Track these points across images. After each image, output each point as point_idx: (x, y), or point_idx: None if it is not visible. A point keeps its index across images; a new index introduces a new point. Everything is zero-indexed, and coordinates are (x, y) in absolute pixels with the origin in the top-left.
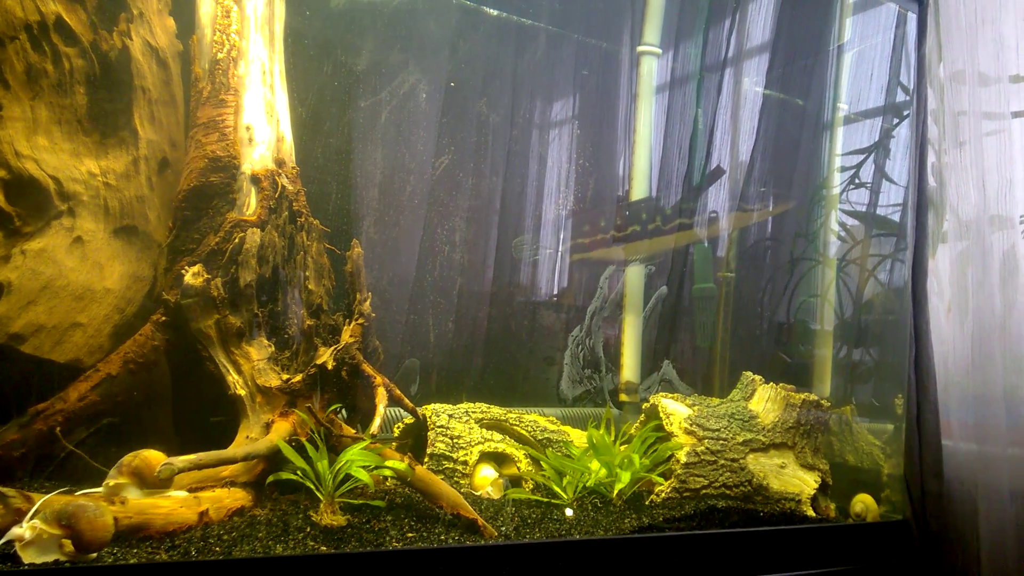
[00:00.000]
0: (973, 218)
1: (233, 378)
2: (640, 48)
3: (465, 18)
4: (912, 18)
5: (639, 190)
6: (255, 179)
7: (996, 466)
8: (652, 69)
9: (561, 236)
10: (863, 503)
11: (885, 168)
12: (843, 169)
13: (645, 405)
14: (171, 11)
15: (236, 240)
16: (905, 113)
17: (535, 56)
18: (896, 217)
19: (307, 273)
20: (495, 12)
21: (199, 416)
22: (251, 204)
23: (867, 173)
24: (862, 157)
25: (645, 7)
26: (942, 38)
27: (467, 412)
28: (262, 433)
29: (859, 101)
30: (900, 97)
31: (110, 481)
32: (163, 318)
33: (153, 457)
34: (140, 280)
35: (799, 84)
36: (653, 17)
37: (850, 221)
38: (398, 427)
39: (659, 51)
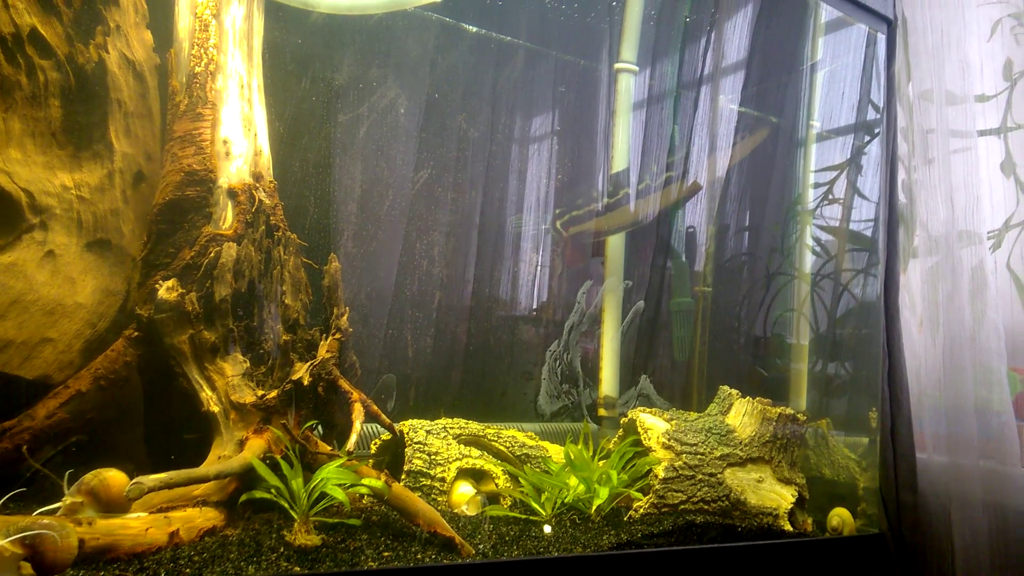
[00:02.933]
0: (942, 234)
1: (207, 394)
2: (618, 65)
3: (444, 34)
4: (881, 39)
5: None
6: (232, 193)
7: (968, 478)
8: (630, 86)
9: (540, 251)
10: (840, 517)
11: (857, 184)
12: (817, 185)
13: (623, 420)
14: (149, 24)
15: (212, 254)
16: (876, 131)
17: (514, 72)
18: (869, 232)
19: (284, 288)
20: (474, 29)
21: (171, 433)
22: (228, 218)
23: (840, 189)
24: (835, 174)
25: (622, 25)
26: (910, 58)
27: (445, 428)
28: (236, 451)
29: (831, 119)
30: (871, 115)
31: (67, 500)
32: (136, 333)
33: (112, 478)
34: (113, 295)
35: (773, 102)
36: (630, 35)
37: (824, 236)
38: (375, 444)
39: (636, 68)
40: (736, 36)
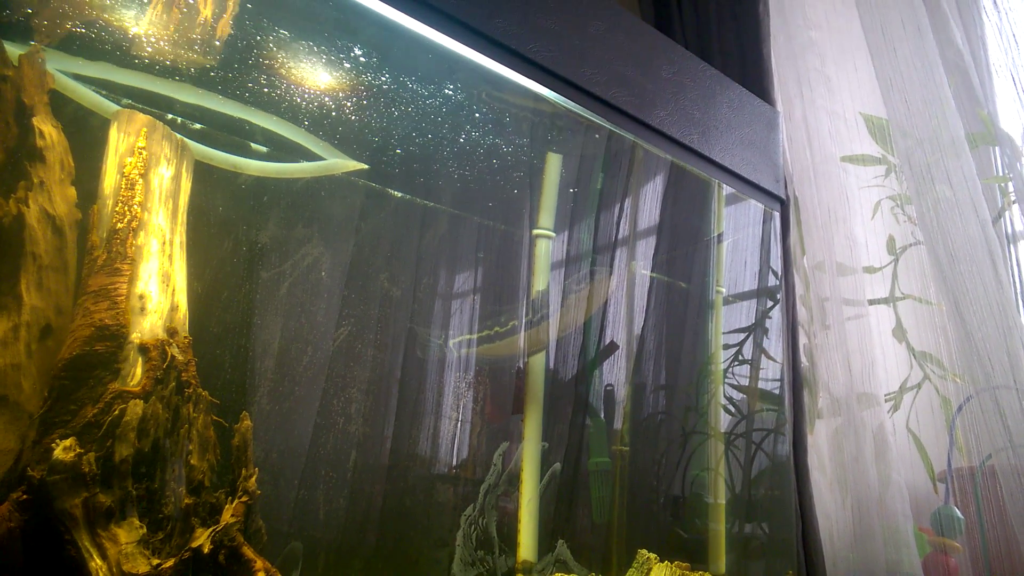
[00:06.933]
0: (843, 396)
1: (96, 564)
2: (536, 231)
3: (370, 198)
4: (777, 215)
5: (537, 363)
6: (143, 348)
7: None
8: (548, 250)
9: (461, 404)
10: None
11: (764, 346)
12: (727, 346)
13: None
14: (74, 181)
15: (116, 412)
16: (778, 296)
17: (437, 234)
18: (778, 392)
19: (191, 447)
20: (399, 194)
21: None
22: (137, 374)
23: (748, 350)
24: (743, 336)
25: (541, 195)
26: (803, 233)
27: None
28: None
29: (736, 285)
30: (772, 282)
31: None
32: (24, 496)
33: None
34: (4, 454)
35: (682, 268)
36: (547, 205)
37: (736, 395)
38: None
39: (553, 234)
40: (647, 206)
